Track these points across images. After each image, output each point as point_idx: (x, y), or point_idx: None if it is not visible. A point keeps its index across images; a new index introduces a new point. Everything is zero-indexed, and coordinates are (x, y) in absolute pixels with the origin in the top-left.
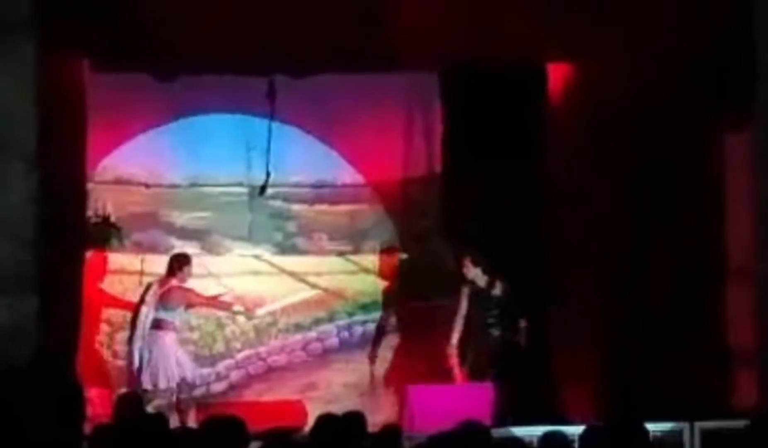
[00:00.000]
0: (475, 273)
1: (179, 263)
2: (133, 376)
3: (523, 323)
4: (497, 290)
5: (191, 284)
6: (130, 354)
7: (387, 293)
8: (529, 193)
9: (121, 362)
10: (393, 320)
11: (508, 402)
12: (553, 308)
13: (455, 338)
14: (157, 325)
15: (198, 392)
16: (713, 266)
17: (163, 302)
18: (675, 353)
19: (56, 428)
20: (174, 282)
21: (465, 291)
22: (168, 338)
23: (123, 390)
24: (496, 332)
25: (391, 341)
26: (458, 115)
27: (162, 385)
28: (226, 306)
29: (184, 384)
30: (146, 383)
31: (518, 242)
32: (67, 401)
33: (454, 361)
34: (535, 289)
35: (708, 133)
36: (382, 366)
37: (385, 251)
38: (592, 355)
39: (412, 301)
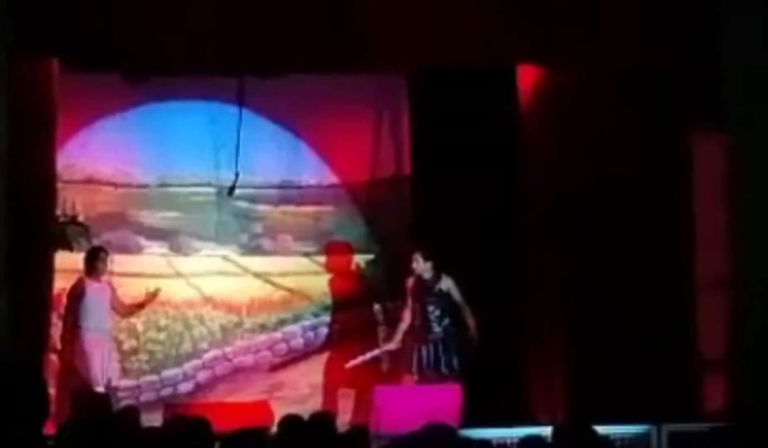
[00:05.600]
0: (424, 267)
1: (97, 258)
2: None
3: (471, 321)
4: (442, 285)
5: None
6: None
7: (352, 293)
8: (497, 194)
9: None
10: (359, 320)
11: (475, 403)
12: (523, 310)
13: (399, 334)
14: (84, 326)
15: (165, 392)
16: (683, 271)
17: (83, 302)
18: (643, 355)
19: (22, 426)
20: (92, 282)
21: (409, 284)
22: (93, 340)
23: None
24: (437, 329)
25: (357, 341)
26: (427, 116)
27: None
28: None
29: (108, 389)
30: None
31: (487, 242)
32: (32, 400)
33: (400, 360)
34: (491, 289)
35: (679, 137)
36: (348, 367)
37: (345, 251)
38: (561, 357)
39: (379, 301)
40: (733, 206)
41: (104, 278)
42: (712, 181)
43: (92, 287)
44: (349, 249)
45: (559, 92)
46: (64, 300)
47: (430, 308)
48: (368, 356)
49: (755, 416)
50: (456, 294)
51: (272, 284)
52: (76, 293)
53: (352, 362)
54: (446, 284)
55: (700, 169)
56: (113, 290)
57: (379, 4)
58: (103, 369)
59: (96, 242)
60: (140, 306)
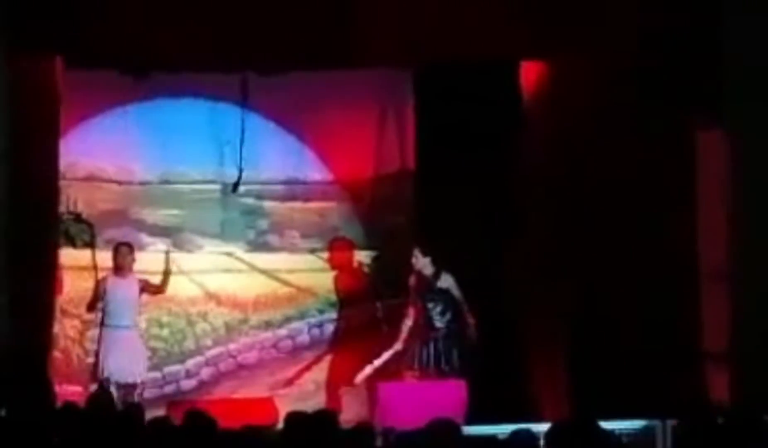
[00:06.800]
0: (423, 263)
1: (118, 254)
2: (95, 372)
3: (471, 320)
4: (442, 283)
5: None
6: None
7: (355, 289)
8: (502, 190)
9: (90, 359)
10: (363, 317)
11: (480, 400)
12: (527, 306)
13: (404, 333)
14: (111, 322)
15: (168, 389)
16: (686, 265)
17: (106, 300)
18: (648, 351)
19: (26, 420)
20: (118, 278)
21: (411, 281)
22: (123, 336)
23: (93, 387)
24: (440, 325)
25: (360, 338)
26: (431, 111)
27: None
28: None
29: (129, 386)
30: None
31: (492, 236)
32: (36, 395)
33: (403, 358)
34: (494, 286)
35: (679, 133)
36: (352, 364)
37: (348, 248)
38: (565, 353)
39: (383, 298)
40: (733, 202)
41: (131, 273)
42: (715, 174)
43: (117, 284)
44: (352, 245)
45: (562, 88)
46: (91, 297)
47: (431, 305)
48: (377, 363)
49: (758, 409)
50: (456, 292)
51: (278, 280)
52: (99, 291)
53: (362, 374)
54: (447, 281)
55: (700, 165)
56: (141, 281)
57: (382, 0)
58: (130, 366)
59: (99, 240)
60: (166, 274)
